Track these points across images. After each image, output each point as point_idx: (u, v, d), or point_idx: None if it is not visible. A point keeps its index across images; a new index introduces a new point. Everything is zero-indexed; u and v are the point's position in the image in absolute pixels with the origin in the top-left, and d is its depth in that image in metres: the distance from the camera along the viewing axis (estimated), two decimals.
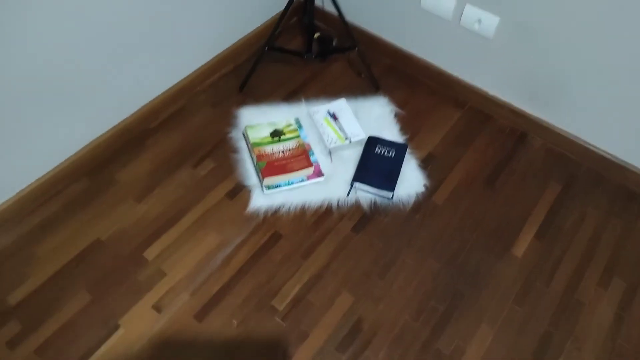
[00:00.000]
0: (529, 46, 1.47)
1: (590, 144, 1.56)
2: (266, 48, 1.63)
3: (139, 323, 1.21)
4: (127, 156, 1.52)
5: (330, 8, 1.68)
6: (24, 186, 1.36)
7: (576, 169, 1.58)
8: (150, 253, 1.33)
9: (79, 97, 1.36)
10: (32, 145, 1.31)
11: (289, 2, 1.54)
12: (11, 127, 1.24)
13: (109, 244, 1.34)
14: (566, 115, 1.56)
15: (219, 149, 1.56)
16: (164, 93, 1.62)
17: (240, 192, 1.46)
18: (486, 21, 1.51)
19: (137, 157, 1.52)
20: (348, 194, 1.46)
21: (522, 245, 1.40)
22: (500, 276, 1.34)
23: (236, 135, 1.59)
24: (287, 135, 1.55)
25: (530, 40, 1.46)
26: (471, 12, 1.52)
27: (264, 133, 1.55)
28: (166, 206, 1.42)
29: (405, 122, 1.66)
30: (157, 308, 1.24)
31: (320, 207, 1.44)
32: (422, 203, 1.47)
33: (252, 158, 1.52)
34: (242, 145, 1.57)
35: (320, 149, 1.55)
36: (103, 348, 1.18)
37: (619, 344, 1.23)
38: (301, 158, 1.49)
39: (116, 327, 1.20)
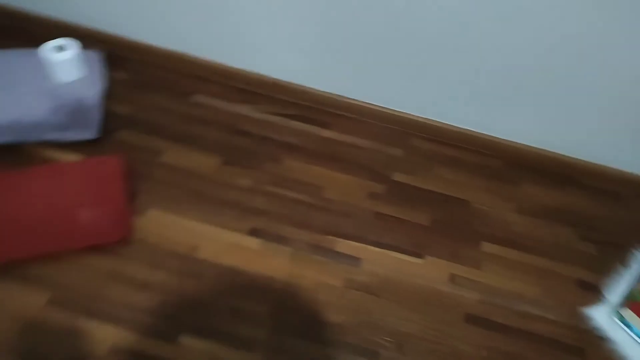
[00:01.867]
0: None
1: None
2: None
3: (434, 272, 1.36)
4: (544, 180, 1.61)
5: None
6: (473, 130, 1.64)
7: None
8: (488, 247, 1.42)
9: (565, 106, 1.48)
10: (505, 114, 1.55)
11: None
12: None
13: (472, 212, 1.50)
14: None
15: (611, 249, 1.46)
16: (618, 170, 1.58)
17: (591, 291, 1.36)
18: None
19: (550, 188, 1.59)
20: None
21: None
22: None
23: (635, 260, 1.44)
24: None
25: None
26: None
27: None
28: (530, 235, 1.46)
29: None
30: (452, 278, 1.35)
31: None
32: None
33: (631, 286, 1.36)
34: (630, 273, 1.41)
35: None
36: (398, 255, 1.38)
37: None
38: None
39: (419, 256, 1.39)
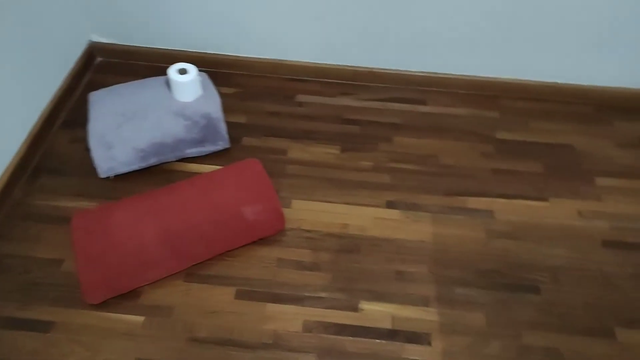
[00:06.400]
0: None
1: None
2: None
3: (561, 210, 1.49)
4: (632, 115, 1.75)
5: None
6: (553, 81, 1.77)
7: None
8: (601, 181, 1.55)
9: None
10: (582, 60, 1.68)
11: None
12: None
13: (577, 153, 1.63)
14: None
15: None
16: None
17: None
18: None
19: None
20: None
21: None
22: None
23: None
24: None
25: None
26: None
27: None
28: (635, 164, 1.60)
29: None
30: (580, 213, 1.48)
31: None
32: None
33: None
34: None
35: None
36: (525, 202, 1.51)
37: None
38: None
39: (544, 199, 1.51)
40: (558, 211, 1.49)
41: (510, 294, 1.32)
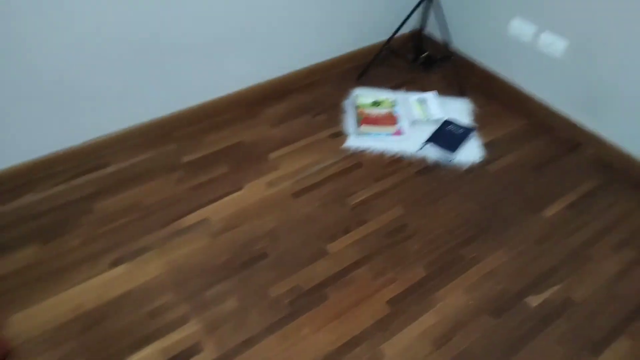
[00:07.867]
0: (589, 66, 1.86)
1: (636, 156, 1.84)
2: (386, 46, 2.25)
3: (255, 189, 1.78)
4: (272, 101, 2.19)
5: (436, 35, 2.26)
6: (209, 99, 2.08)
7: (619, 174, 1.85)
8: (273, 155, 1.92)
9: (261, 49, 2.07)
10: (223, 74, 2.05)
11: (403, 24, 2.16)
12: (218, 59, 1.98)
13: (248, 145, 1.97)
14: (616, 128, 1.87)
15: (333, 110, 2.16)
16: (307, 68, 2.29)
17: (340, 136, 2.02)
18: (556, 44, 1.93)
19: (278, 103, 2.18)
20: (419, 149, 1.93)
21: (553, 211, 1.71)
22: (528, 225, 1.66)
23: (347, 104, 2.18)
24: (384, 105, 2.09)
25: (591, 61, 1.85)
26: (546, 37, 1.97)
27: (368, 101, 2.11)
28: (289, 133, 2.03)
29: (478, 118, 2.10)
30: (269, 184, 1.80)
31: (396, 155, 1.93)
32: (476, 168, 1.87)
33: (355, 115, 2.08)
34: (350, 110, 2.14)
35: (407, 122, 2.06)
36: (227, 198, 1.75)
37: (617, 286, 1.47)
38: (390, 120, 2.01)
39: (240, 188, 1.79)
40: (254, 191, 1.79)
41: (247, 269, 1.53)
